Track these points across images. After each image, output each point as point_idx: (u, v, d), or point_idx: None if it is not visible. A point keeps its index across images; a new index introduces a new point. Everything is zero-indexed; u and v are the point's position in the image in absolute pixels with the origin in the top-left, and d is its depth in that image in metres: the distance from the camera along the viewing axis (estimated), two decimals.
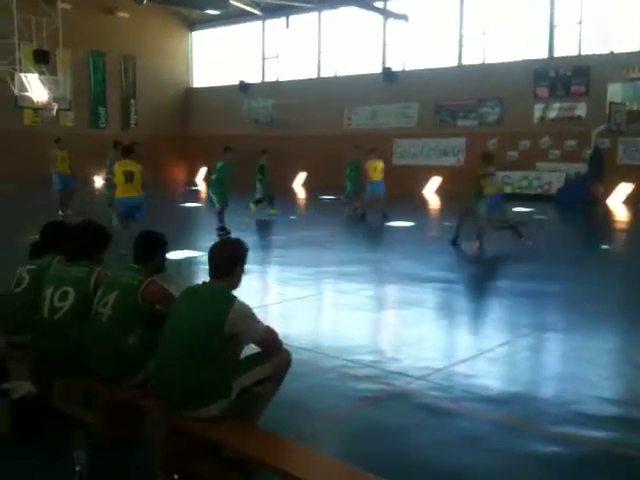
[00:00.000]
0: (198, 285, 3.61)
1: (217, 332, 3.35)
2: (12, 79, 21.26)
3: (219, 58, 35.73)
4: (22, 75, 20.87)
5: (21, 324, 4.44)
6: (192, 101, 36.81)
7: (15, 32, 21.08)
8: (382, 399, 4.77)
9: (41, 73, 21.42)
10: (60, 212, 15.77)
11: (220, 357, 3.39)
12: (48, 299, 4.13)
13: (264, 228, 16.31)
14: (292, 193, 28.48)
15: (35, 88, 20.84)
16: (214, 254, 3.59)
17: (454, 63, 27.33)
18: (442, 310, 7.80)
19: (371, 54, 29.92)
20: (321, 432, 4.30)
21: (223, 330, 3.35)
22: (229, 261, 3.58)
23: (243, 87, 33.69)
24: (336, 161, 24.90)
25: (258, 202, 17.41)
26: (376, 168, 16.55)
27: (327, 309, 8.18)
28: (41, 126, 28.83)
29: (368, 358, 5.57)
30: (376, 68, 29.44)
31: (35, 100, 20.88)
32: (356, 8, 28.17)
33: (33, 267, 4.61)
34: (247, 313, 3.46)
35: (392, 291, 9.02)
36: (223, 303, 3.41)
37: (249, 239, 13.77)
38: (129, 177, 10.60)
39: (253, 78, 33.99)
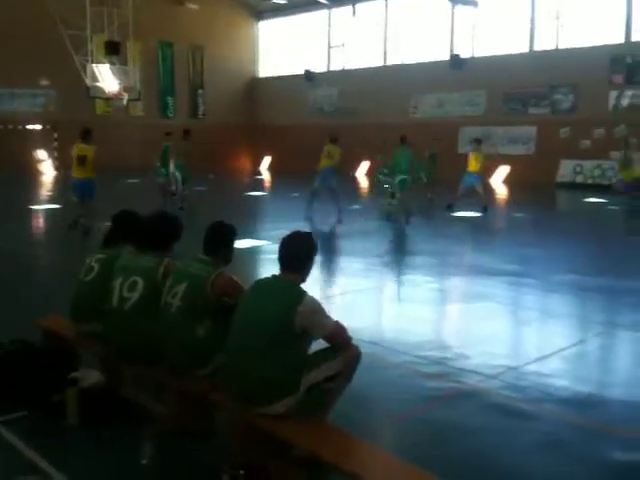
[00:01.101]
0: (268, 278, 3.52)
1: (286, 326, 3.27)
2: (84, 70, 21.78)
3: (285, 47, 35.80)
4: (94, 66, 21.33)
5: (90, 313, 4.47)
6: (258, 90, 37.02)
7: (87, 24, 21.57)
8: (453, 398, 4.59)
9: (112, 64, 21.88)
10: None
11: (288, 352, 3.31)
12: (117, 289, 4.13)
13: (328, 218, 16.23)
14: (355, 182, 28.31)
15: (106, 79, 21.31)
16: (286, 248, 3.51)
17: (525, 49, 26.54)
18: (512, 305, 7.53)
19: (438, 41, 29.39)
20: (390, 431, 4.17)
21: (293, 324, 3.27)
22: (301, 255, 3.51)
23: (309, 76, 33.65)
24: None
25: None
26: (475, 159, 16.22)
27: (393, 301, 8.02)
28: (112, 115, 29.58)
29: (437, 354, 5.39)
30: (443, 55, 28.90)
31: (106, 90, 21.33)
32: None
33: (103, 256, 4.62)
34: (316, 308, 3.37)
35: (459, 284, 8.78)
36: (293, 297, 3.33)
37: (315, 228, 13.79)
38: (82, 160, 11.52)
39: (319, 67, 33.91)
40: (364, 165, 31.40)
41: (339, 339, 3.48)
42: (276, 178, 29.97)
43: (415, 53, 30.15)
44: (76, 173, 11.72)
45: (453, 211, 15.60)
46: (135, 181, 22.67)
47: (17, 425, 3.97)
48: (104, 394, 4.08)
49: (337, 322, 3.47)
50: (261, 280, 3.56)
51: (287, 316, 3.27)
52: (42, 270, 9.30)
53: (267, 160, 36.30)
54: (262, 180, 29.43)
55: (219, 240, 3.96)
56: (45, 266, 9.68)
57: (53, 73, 27.89)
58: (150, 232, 4.23)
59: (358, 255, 10.29)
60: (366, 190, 25.52)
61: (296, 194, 21.19)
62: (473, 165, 16.09)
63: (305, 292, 3.38)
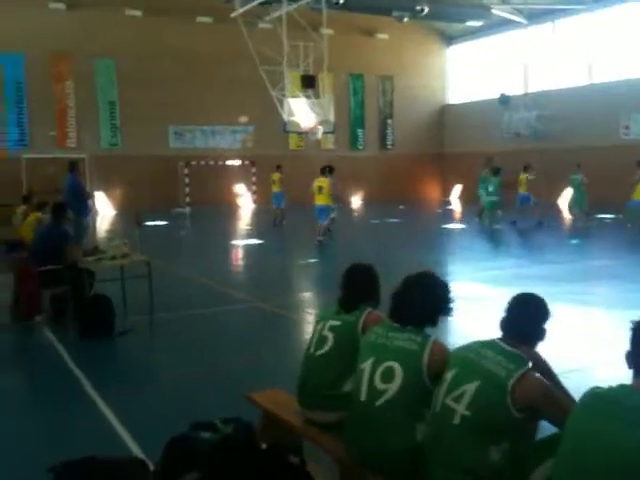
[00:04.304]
0: (613, 389, 2.27)
1: None
2: (281, 105, 21.94)
3: (477, 72, 34.24)
4: (290, 100, 21.40)
5: (325, 399, 3.52)
6: (447, 118, 35.73)
7: (284, 59, 21.74)
8: None
9: (307, 97, 21.83)
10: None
11: None
12: (367, 376, 3.09)
13: (539, 252, 14.51)
14: (560, 211, 25.95)
15: (302, 113, 21.26)
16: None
17: None
18: None
19: None
20: None
21: None
22: None
23: (503, 100, 31.73)
24: (610, 175, 22.25)
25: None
26: None
27: None
28: (305, 150, 29.85)
29: None
30: None
31: (302, 124, 21.27)
32: (634, 3, 24.91)
33: (338, 323, 3.65)
34: None
35: None
36: None
37: (520, 268, 12.20)
38: (319, 190, 15.53)
39: (514, 90, 31.91)
40: (567, 192, 28.85)
41: None
42: (467, 208, 28.35)
43: (625, 68, 27.24)
44: (316, 201, 15.58)
45: None
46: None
47: None
48: None
49: None
50: (601, 391, 2.30)
51: None
52: (253, 321, 8.48)
53: (458, 189, 34.80)
54: (453, 210, 28.03)
55: (532, 320, 2.80)
56: (255, 315, 8.80)
57: (250, 110, 28.74)
58: (414, 304, 3.15)
59: (595, 305, 8.60)
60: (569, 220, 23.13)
61: (498, 226, 19.58)
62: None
63: None
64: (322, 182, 15.53)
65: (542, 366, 2.89)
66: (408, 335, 3.08)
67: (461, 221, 23.49)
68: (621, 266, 11.94)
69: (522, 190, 19.84)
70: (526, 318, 2.86)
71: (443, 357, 2.97)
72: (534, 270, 11.79)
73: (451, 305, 3.22)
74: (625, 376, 2.30)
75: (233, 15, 23.93)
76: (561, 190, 28.61)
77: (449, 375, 2.79)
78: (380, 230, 20.28)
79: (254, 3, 23.20)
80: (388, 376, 3.01)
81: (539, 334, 2.88)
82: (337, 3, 23.43)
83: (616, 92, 26.88)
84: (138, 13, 27.16)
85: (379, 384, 3.03)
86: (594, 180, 26.03)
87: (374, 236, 18.46)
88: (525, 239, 17.42)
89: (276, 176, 20.36)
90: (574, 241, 16.83)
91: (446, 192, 35.23)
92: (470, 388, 2.66)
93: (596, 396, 2.28)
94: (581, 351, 6.52)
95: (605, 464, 2.12)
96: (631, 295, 9.28)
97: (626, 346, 2.28)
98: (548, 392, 2.63)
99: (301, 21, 22.50)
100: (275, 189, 20.30)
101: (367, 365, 3.11)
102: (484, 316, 7.78)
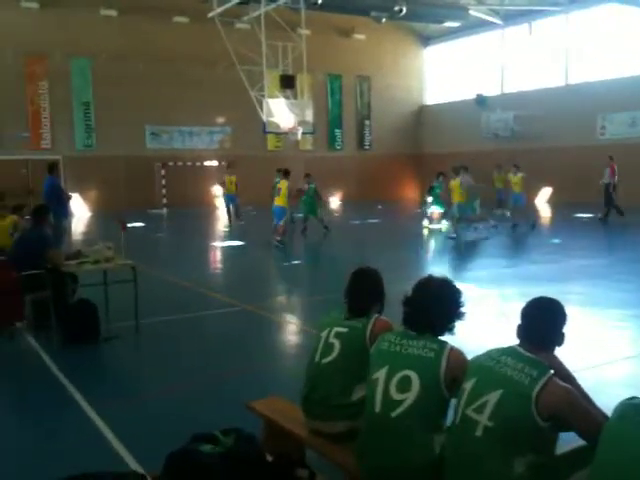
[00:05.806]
0: None
1: None
2: (260, 106, 21.76)
3: (454, 72, 34.38)
4: (270, 101, 21.21)
5: (332, 408, 3.39)
6: (425, 118, 35.81)
7: (263, 59, 21.56)
8: None
9: (286, 98, 21.67)
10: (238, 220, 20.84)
11: None
12: (381, 386, 2.97)
13: (527, 253, 14.55)
14: (536, 210, 26.10)
15: (281, 113, 21.09)
16: None
17: None
18: None
19: (629, 54, 26.59)
20: None
21: None
22: None
23: (480, 100, 31.93)
24: (587, 175, 22.48)
25: None
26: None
27: None
28: (283, 150, 29.71)
29: None
30: (636, 70, 26.07)
31: (281, 125, 21.09)
32: (611, 5, 25.17)
33: (344, 330, 3.53)
34: None
35: None
36: None
37: (512, 268, 12.15)
38: (277, 191, 15.92)
39: (492, 90, 32.09)
40: (544, 192, 29.10)
41: None
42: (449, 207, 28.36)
43: (601, 69, 27.52)
44: (275, 202, 15.88)
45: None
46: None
47: None
48: None
49: None
50: (632, 403, 2.20)
51: None
52: (240, 326, 8.20)
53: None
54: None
55: (550, 325, 2.71)
56: (242, 319, 8.51)
57: (228, 110, 28.53)
58: (429, 308, 3.04)
59: (591, 305, 8.59)
60: (555, 220, 23.24)
61: (479, 225, 19.59)
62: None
63: None
64: (280, 184, 15.99)
65: (563, 372, 2.80)
66: (424, 342, 2.96)
67: (439, 221, 23.46)
68: (600, 266, 12.01)
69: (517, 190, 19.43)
70: (544, 323, 2.76)
71: (461, 365, 2.87)
72: (520, 270, 11.82)
73: (464, 309, 3.13)
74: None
75: (210, 15, 23.70)
76: (539, 190, 28.85)
77: (468, 385, 2.68)
78: (361, 231, 20.20)
79: (232, 3, 22.97)
80: (404, 385, 2.89)
81: (558, 339, 2.78)
82: (315, 3, 23.26)
83: (592, 93, 27.15)
84: (114, 13, 26.78)
85: (395, 394, 2.91)
86: (569, 180, 26.41)
87: (356, 237, 18.38)
88: (506, 240, 17.47)
89: (234, 177, 21.11)
90: (556, 240, 16.87)
91: (424, 192, 35.28)
92: (492, 398, 2.56)
93: (635, 407, 2.19)
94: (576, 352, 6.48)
95: None
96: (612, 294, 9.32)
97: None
98: (574, 400, 2.53)
99: (280, 21, 22.34)
100: (233, 189, 21.02)
101: (381, 374, 2.99)
102: (483, 319, 7.73)
